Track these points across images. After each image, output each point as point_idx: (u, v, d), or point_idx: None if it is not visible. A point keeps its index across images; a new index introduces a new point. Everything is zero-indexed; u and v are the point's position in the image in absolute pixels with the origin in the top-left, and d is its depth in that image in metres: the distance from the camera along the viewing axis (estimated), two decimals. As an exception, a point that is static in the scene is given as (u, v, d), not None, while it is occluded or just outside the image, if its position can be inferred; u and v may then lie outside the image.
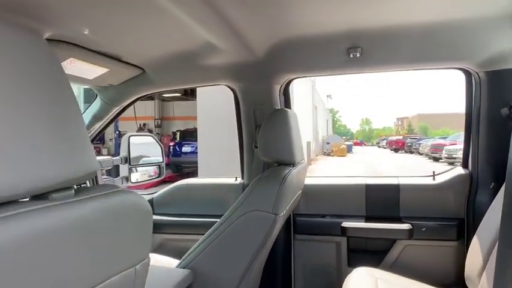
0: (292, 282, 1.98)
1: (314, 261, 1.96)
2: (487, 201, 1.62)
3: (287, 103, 2.04)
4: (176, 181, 2.27)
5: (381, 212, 1.89)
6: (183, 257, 1.43)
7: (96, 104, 1.96)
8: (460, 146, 15.45)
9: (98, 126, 2.06)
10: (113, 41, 1.31)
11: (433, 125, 50.63)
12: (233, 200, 2.07)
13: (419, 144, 24.21)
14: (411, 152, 25.89)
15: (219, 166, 7.59)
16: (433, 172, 1.90)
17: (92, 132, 2.07)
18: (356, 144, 45.53)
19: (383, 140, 41.09)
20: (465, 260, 1.67)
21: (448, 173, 1.89)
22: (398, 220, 1.84)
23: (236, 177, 2.13)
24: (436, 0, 1.18)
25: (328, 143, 25.73)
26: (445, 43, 1.50)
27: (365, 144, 51.51)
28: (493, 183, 1.66)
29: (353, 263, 1.86)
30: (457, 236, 1.76)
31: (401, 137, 33.80)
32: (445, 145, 17.59)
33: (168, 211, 2.16)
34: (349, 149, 26.76)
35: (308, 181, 1.99)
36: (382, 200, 1.90)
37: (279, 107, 1.92)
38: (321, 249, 1.95)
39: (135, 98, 1.99)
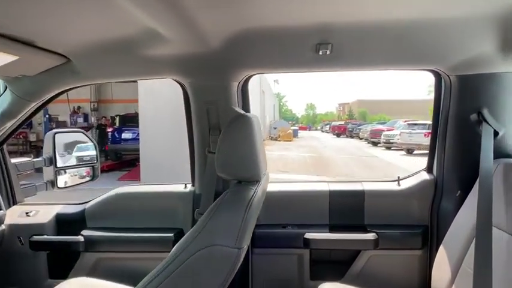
0: None
1: (274, 276, 1.78)
2: (452, 209, 1.57)
3: (245, 102, 1.79)
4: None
5: (345, 220, 1.77)
6: None
7: (5, 98, 1.61)
8: (397, 131, 16.69)
9: (10, 124, 1.71)
10: (23, 22, 1.07)
11: (371, 111, 53.73)
12: (182, 211, 1.80)
13: (360, 129, 25.59)
14: (352, 137, 27.29)
15: (164, 156, 7.08)
16: (398, 177, 1.85)
17: (1, 132, 1.67)
18: (302, 128, 46.79)
19: (326, 124, 42.78)
20: (429, 269, 1.60)
21: (412, 178, 1.83)
22: (363, 229, 1.75)
23: (186, 184, 1.85)
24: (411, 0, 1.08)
25: (275, 128, 26.02)
26: (419, 44, 1.41)
27: (310, 129, 53.18)
28: (459, 191, 1.59)
29: (316, 277, 1.74)
30: (421, 244, 1.71)
31: (343, 123, 35.47)
32: (383, 131, 18.71)
33: (104, 224, 1.82)
34: (295, 134, 27.37)
35: (268, 188, 1.78)
36: (347, 207, 1.78)
37: (237, 107, 1.67)
38: (282, 262, 1.77)
39: (59, 91, 1.67)
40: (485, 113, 1.51)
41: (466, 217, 1.44)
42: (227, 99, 1.65)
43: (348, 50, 1.46)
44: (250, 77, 1.74)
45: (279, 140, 23.55)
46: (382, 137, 17.90)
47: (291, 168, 10.79)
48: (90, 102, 14.47)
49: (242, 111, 1.67)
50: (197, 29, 1.22)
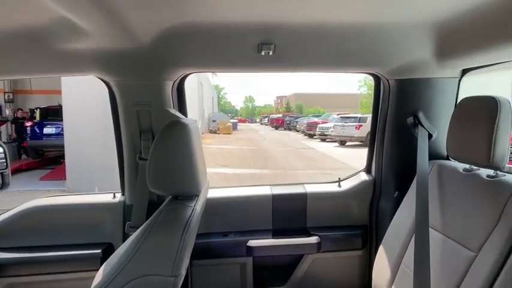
0: None
1: (216, 287, 1.67)
2: (391, 208, 1.60)
3: (181, 103, 1.63)
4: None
5: (288, 224, 1.73)
6: None
7: None
8: (331, 124, 17.53)
9: None
10: None
11: (307, 104, 55.98)
12: (111, 224, 1.59)
13: (297, 122, 26.45)
14: (289, 129, 28.09)
15: (93, 152, 6.47)
16: (339, 178, 1.87)
17: None
18: (241, 121, 46.97)
19: (265, 117, 43.47)
20: (369, 268, 1.63)
21: (352, 179, 1.86)
22: (306, 232, 1.72)
23: (114, 194, 1.65)
24: (353, 2, 1.07)
25: (214, 121, 25.68)
26: (360, 48, 1.42)
27: (249, 122, 53.65)
28: (396, 192, 1.63)
29: (259, 284, 1.69)
30: (362, 244, 1.74)
31: (281, 115, 36.36)
32: (319, 123, 19.55)
33: (15, 244, 1.54)
34: (234, 127, 27.33)
35: (209, 194, 1.66)
36: (290, 211, 1.75)
37: (172, 108, 1.51)
38: (224, 273, 1.68)
39: None
40: (421, 116, 1.56)
41: (403, 217, 1.47)
42: (161, 100, 1.48)
43: (291, 51, 1.41)
44: (187, 76, 1.59)
45: (218, 133, 23.32)
46: (317, 129, 18.68)
47: (230, 162, 10.72)
48: (4, 93, 12.78)
49: (178, 114, 1.51)
50: (122, 22, 1.05)
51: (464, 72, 1.52)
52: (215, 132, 23.97)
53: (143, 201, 1.51)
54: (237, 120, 36.18)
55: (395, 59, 1.48)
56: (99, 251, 1.55)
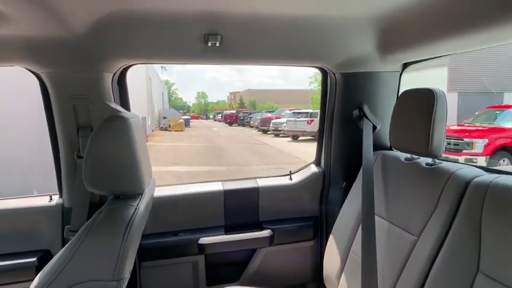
0: None
1: None
2: (339, 199, 1.64)
3: (123, 97, 1.53)
4: None
5: (240, 219, 1.71)
6: None
7: None
8: (284, 119, 17.86)
9: None
10: None
11: (260, 100, 56.52)
12: (48, 229, 1.46)
13: (250, 118, 26.59)
14: (243, 125, 28.17)
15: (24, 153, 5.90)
16: (290, 171, 1.88)
17: None
18: (194, 117, 46.13)
19: (218, 113, 43.12)
20: (321, 258, 1.67)
21: (303, 171, 1.88)
22: (259, 226, 1.72)
23: (51, 196, 1.51)
24: None
25: (164, 118, 24.94)
26: (306, 41, 1.43)
27: (202, 118, 52.86)
28: (344, 182, 1.68)
29: (212, 282, 1.65)
30: (313, 235, 1.77)
31: (234, 111, 36.30)
32: (272, 119, 19.81)
33: None
34: (186, 123, 26.79)
35: (156, 193, 1.58)
36: (242, 206, 1.72)
37: (112, 102, 1.41)
38: (175, 273, 1.62)
39: None
40: (366, 109, 1.61)
41: (351, 206, 1.52)
42: (100, 92, 1.37)
43: (238, 43, 1.38)
44: (128, 67, 1.49)
45: (170, 130, 22.69)
46: (271, 125, 18.93)
47: (183, 160, 10.48)
48: None
49: (120, 108, 1.42)
50: (51, 7, 0.94)
51: (405, 66, 1.59)
52: (166, 130, 23.30)
53: (83, 203, 1.39)
54: (189, 117, 35.47)
55: (341, 52, 1.51)
56: (35, 259, 1.40)
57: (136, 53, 1.38)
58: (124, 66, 1.46)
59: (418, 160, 1.30)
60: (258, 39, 1.37)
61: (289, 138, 16.39)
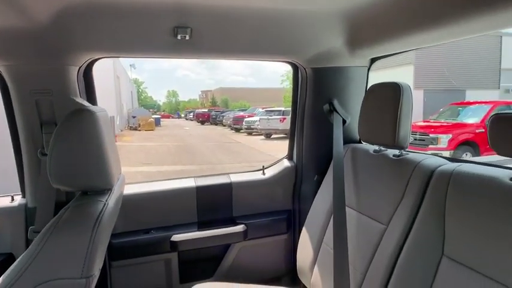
0: None
1: (139, 287, 1.57)
2: (312, 192, 1.67)
3: (90, 92, 1.47)
4: None
5: (213, 215, 1.70)
6: None
7: None
8: (257, 118, 17.91)
9: None
10: None
11: (233, 98, 56.26)
12: (10, 231, 1.38)
13: (223, 116, 26.43)
14: (216, 124, 27.97)
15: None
16: (263, 166, 1.89)
17: None
18: (164, 117, 45.22)
19: (190, 112, 42.57)
20: (294, 250, 1.69)
21: (275, 166, 1.89)
22: (232, 222, 1.70)
23: (13, 196, 1.44)
24: None
25: (134, 117, 24.30)
26: (277, 36, 1.43)
27: (173, 117, 51.95)
28: (316, 176, 1.70)
29: (186, 279, 1.62)
30: (286, 228, 1.78)
31: (206, 110, 35.95)
32: (245, 117, 19.80)
33: None
34: (157, 122, 26.25)
35: (126, 190, 1.53)
36: (215, 202, 1.71)
37: (78, 97, 1.35)
38: (147, 271, 1.58)
39: None
40: (336, 103, 1.64)
41: (323, 199, 1.55)
42: (64, 87, 1.31)
43: (208, 36, 1.36)
44: (95, 61, 1.44)
45: (140, 130, 22.14)
46: (243, 123, 18.92)
47: (154, 160, 10.26)
48: None
49: (86, 103, 1.36)
50: None
51: (373, 61, 1.64)
52: (136, 129, 22.72)
53: (49, 202, 1.33)
54: (160, 116, 34.75)
55: (311, 47, 1.53)
56: None
57: (103, 46, 1.33)
58: (90, 60, 1.41)
59: (386, 152, 1.35)
60: (228, 32, 1.36)
61: (263, 137, 16.46)
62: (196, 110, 38.96)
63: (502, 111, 0.90)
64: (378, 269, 1.14)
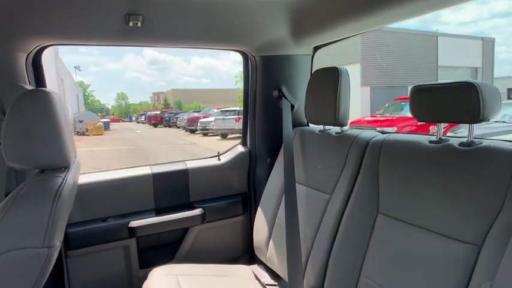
0: None
1: (98, 275, 1.57)
2: (265, 174, 1.77)
3: (39, 79, 1.44)
4: None
5: (171, 201, 1.73)
6: None
7: None
8: (212, 118, 17.80)
9: None
10: None
11: (186, 100, 55.23)
12: None
13: (177, 118, 25.89)
14: (170, 126, 27.33)
15: None
16: (218, 153, 1.92)
17: None
18: (114, 120, 43.23)
19: (141, 115, 41.11)
20: (250, 230, 1.78)
21: (230, 152, 1.96)
22: (190, 206, 1.74)
23: None
24: None
25: (81, 121, 22.94)
26: (226, 24, 1.48)
27: (124, 121, 49.82)
28: (269, 158, 1.80)
29: (146, 264, 1.64)
30: (242, 210, 1.85)
31: (159, 112, 34.96)
32: (200, 118, 19.59)
33: None
34: (106, 126, 25.04)
35: (81, 180, 1.51)
36: (172, 188, 1.74)
37: (27, 84, 1.33)
38: (106, 259, 1.58)
39: None
40: (284, 89, 1.75)
41: (275, 179, 1.65)
42: (12, 74, 1.28)
43: (160, 23, 1.38)
44: (44, 48, 1.41)
45: (88, 135, 20.97)
46: (198, 124, 18.70)
47: (105, 164, 9.81)
48: None
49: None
50: None
51: (316, 49, 1.77)
52: (83, 134, 21.48)
53: None
54: (109, 120, 33.17)
55: (258, 36, 1.61)
56: None
57: (52, 33, 1.31)
58: (39, 47, 1.38)
59: (329, 131, 1.48)
60: (180, 20, 1.39)
61: (219, 137, 16.41)
62: (148, 113, 37.73)
63: (421, 84, 1.05)
64: (325, 233, 1.26)
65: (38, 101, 0.90)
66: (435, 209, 0.94)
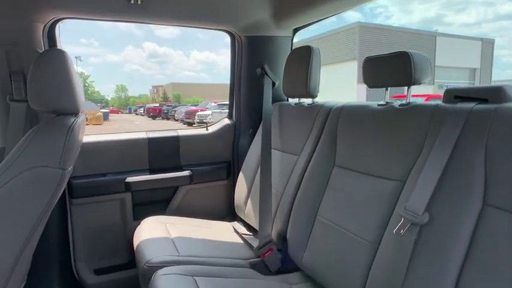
0: (71, 251, 1.72)
1: (97, 223, 1.78)
2: (247, 144, 1.97)
3: (53, 47, 1.64)
4: None
5: (163, 164, 1.92)
6: None
7: None
8: (209, 111, 18.00)
9: None
10: None
11: (185, 93, 55.40)
12: None
13: (175, 111, 26.01)
14: (168, 119, 27.47)
15: None
16: (206, 124, 2.10)
17: None
18: (113, 112, 43.34)
19: (140, 107, 41.20)
20: (233, 193, 1.99)
21: (217, 124, 2.15)
22: (180, 169, 1.94)
23: None
24: None
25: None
26: (216, 4, 1.64)
27: (123, 112, 49.92)
28: (251, 129, 2.01)
29: (139, 217, 1.84)
30: (226, 175, 2.05)
31: (158, 105, 35.07)
32: (197, 111, 19.75)
33: None
34: (105, 117, 25.22)
35: (85, 139, 1.72)
36: (164, 152, 1.93)
37: (43, 50, 1.53)
38: (104, 209, 1.79)
39: None
40: (266, 68, 1.95)
41: (255, 147, 1.86)
42: (31, 41, 1.49)
43: (156, 2, 1.57)
44: (59, 20, 1.60)
45: (87, 124, 21.10)
46: (196, 117, 18.87)
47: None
48: None
49: None
50: None
51: (295, 31, 1.97)
52: (83, 123, 21.62)
53: (16, 142, 1.49)
54: (108, 111, 33.30)
55: (244, 17, 1.80)
56: None
57: (66, 6, 1.50)
58: (54, 19, 1.57)
59: (303, 103, 1.68)
60: (174, 1, 1.57)
61: (215, 129, 16.57)
62: (147, 105, 37.82)
63: (371, 56, 1.25)
64: (291, 186, 1.48)
65: (55, 58, 1.11)
66: (376, 157, 1.15)
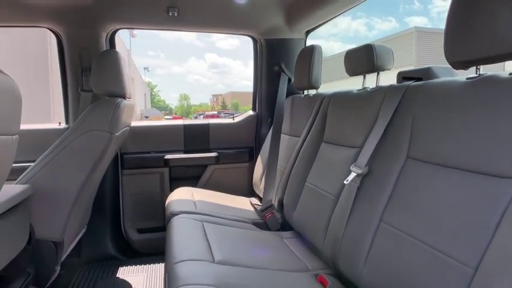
0: (121, 212, 2.17)
1: (141, 191, 2.22)
2: (266, 132, 2.28)
3: None
4: None
5: (195, 146, 2.32)
6: (22, 175, 1.40)
7: None
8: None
9: None
10: None
11: (243, 102, 57.15)
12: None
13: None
14: (225, 125, 28.55)
15: None
16: (233, 114, 2.47)
17: None
18: (176, 118, 46.17)
19: (200, 114, 43.33)
20: (249, 174, 2.31)
21: (243, 115, 2.49)
22: (209, 150, 2.31)
23: (60, 123, 2.09)
24: None
25: (146, 117, 25.15)
26: (239, 13, 1.99)
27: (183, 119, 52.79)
28: (269, 119, 2.32)
29: (174, 188, 2.23)
30: (248, 158, 2.38)
31: (216, 112, 36.65)
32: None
33: None
34: (168, 123, 27.06)
35: (134, 124, 2.19)
36: (196, 137, 2.33)
37: None
38: (147, 180, 2.22)
39: None
40: (283, 66, 2.26)
41: (270, 135, 2.17)
42: (97, 46, 1.99)
43: (191, 13, 1.97)
44: (117, 30, 2.09)
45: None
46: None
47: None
48: None
49: None
50: None
51: (308, 33, 2.25)
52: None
53: None
54: (171, 118, 35.67)
55: (263, 23, 2.14)
56: None
57: (122, 19, 1.99)
58: (114, 29, 2.07)
59: (309, 94, 1.96)
60: (204, 11, 1.95)
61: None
62: (206, 112, 39.71)
63: (349, 49, 1.50)
64: (290, 162, 1.77)
65: (110, 56, 1.55)
66: (348, 132, 1.40)
